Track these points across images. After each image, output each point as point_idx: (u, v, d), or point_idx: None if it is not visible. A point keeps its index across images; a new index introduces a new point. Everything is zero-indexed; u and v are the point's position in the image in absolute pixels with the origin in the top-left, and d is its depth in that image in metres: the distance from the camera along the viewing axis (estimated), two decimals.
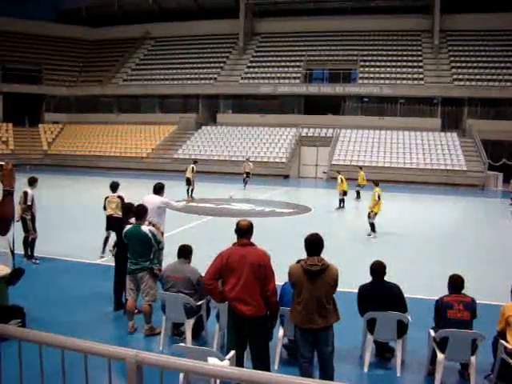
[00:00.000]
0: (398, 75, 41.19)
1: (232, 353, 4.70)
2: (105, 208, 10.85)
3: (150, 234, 6.89)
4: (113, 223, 9.79)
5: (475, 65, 40.75)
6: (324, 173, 34.93)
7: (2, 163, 3.11)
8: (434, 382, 5.60)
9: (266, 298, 5.10)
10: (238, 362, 5.00)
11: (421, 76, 41.00)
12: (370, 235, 14.80)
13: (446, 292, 6.00)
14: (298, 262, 5.19)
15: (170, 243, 8.76)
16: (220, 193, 23.65)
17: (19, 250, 10.15)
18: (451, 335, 5.53)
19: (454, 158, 34.02)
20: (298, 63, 44.77)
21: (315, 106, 41.20)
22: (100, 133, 43.09)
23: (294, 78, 43.18)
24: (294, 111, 42.66)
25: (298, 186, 32.40)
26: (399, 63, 42.56)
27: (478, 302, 5.88)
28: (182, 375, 4.39)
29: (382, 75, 41.46)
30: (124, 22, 51.91)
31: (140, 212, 7.16)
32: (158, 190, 9.31)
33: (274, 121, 40.60)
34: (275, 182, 31.83)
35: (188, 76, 45.72)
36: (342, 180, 20.82)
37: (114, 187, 10.97)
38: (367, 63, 43.18)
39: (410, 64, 42.48)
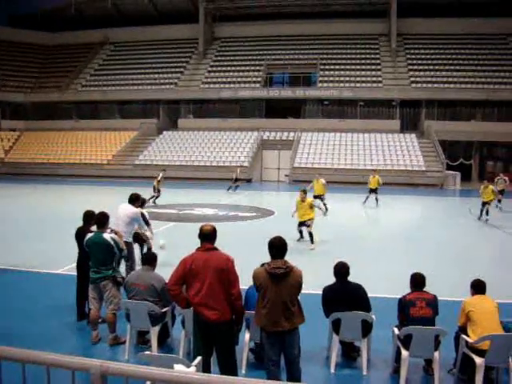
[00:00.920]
0: (358, 78, 41.90)
1: (198, 359, 4.65)
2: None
3: (112, 242, 6.77)
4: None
5: (431, 67, 41.84)
6: (286, 176, 35.15)
7: None
8: (400, 378, 5.68)
9: (230, 302, 5.07)
10: (205, 367, 4.96)
11: (379, 79, 41.78)
12: (312, 248, 13.28)
13: (408, 290, 6.11)
14: (262, 265, 5.19)
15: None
16: (182, 199, 23.49)
17: None
18: (415, 332, 5.63)
19: (413, 159, 34.79)
20: (258, 67, 45.00)
21: (276, 109, 41.50)
22: (59, 140, 42.23)
23: (255, 82, 43.37)
24: (255, 115, 42.85)
25: (261, 189, 32.51)
26: (358, 66, 43.30)
27: (439, 298, 6.00)
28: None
29: (342, 78, 42.07)
30: (82, 27, 51.14)
31: (101, 219, 7.03)
32: (133, 200, 9.24)
33: (236, 125, 40.67)
34: (238, 186, 31.78)
35: (148, 81, 45.40)
36: (320, 182, 20.31)
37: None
38: (327, 67, 43.76)
39: (368, 67, 43.26)
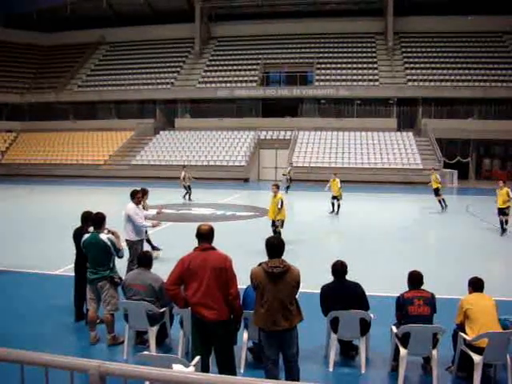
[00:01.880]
0: (354, 77, 41.90)
1: (197, 358, 4.65)
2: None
3: (108, 243, 6.76)
4: None
5: (428, 66, 41.87)
6: (283, 175, 35.13)
7: None
8: (398, 376, 5.69)
9: (228, 301, 5.08)
10: (204, 367, 4.96)
11: (376, 77, 41.80)
12: None
13: (406, 288, 6.12)
14: (260, 264, 5.19)
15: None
16: (180, 198, 23.48)
17: None
18: (413, 330, 5.64)
19: (410, 157, 34.82)
20: (254, 66, 44.97)
21: (273, 108, 41.48)
22: (55, 140, 42.11)
23: (251, 81, 43.33)
24: (252, 114, 42.83)
25: (258, 188, 32.50)
26: (355, 65, 43.30)
27: (437, 296, 6.01)
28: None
29: (338, 77, 42.09)
30: (78, 27, 50.91)
31: (98, 220, 7.02)
32: (131, 196, 9.30)
33: (232, 124, 40.63)
34: (235, 186, 31.85)
35: (144, 81, 45.32)
36: (336, 182, 19.91)
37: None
38: (323, 65, 43.76)
39: (365, 66, 43.26)
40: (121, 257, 7.26)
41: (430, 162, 34.19)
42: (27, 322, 7.60)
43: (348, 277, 6.40)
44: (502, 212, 15.65)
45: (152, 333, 6.38)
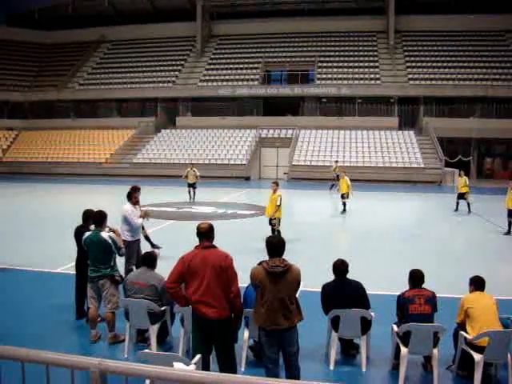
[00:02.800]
0: (355, 75, 41.85)
1: (198, 357, 4.66)
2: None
3: (109, 241, 6.76)
4: None
5: (430, 64, 41.80)
6: (285, 173, 35.15)
7: None
8: (399, 375, 5.69)
9: (229, 299, 5.09)
10: (204, 365, 4.97)
11: (377, 76, 41.75)
12: None
13: (407, 287, 6.12)
14: (260, 263, 5.19)
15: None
16: (181, 196, 23.47)
17: None
18: (413, 329, 5.64)
19: (411, 156, 34.79)
20: (256, 65, 44.94)
21: (274, 107, 41.45)
22: (57, 139, 42.12)
23: (253, 79, 43.31)
24: (254, 113, 42.83)
25: (259, 187, 32.48)
26: (356, 64, 43.25)
27: (438, 295, 6.01)
28: (147, 382, 4.33)
29: (340, 76, 42.06)
30: (79, 26, 50.90)
31: (99, 218, 7.02)
32: (127, 196, 9.27)
33: (234, 123, 40.63)
34: (236, 184, 31.85)
35: (146, 79, 45.30)
36: (345, 180, 19.80)
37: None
38: (325, 64, 43.71)
39: (366, 64, 43.22)
40: (122, 255, 7.27)
41: (431, 161, 34.20)
42: (28, 320, 7.61)
43: (349, 275, 6.40)
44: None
45: (153, 331, 6.38)
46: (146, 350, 5.48)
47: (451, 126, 36.29)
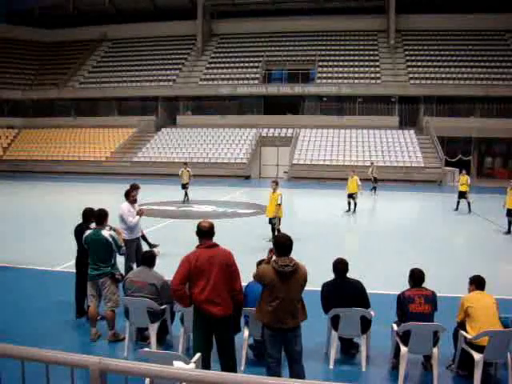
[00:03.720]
0: (356, 74, 41.84)
1: (198, 355, 4.66)
2: None
3: (110, 239, 6.77)
4: None
5: (430, 64, 41.79)
6: (285, 172, 35.16)
7: None
8: (399, 374, 5.69)
9: (233, 296, 5.11)
10: (206, 364, 4.97)
11: (378, 75, 41.74)
12: (271, 241, 13.31)
13: (407, 286, 6.12)
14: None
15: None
16: (181, 196, 23.43)
17: None
18: (413, 328, 5.63)
19: (411, 155, 34.79)
20: (256, 64, 44.93)
21: (275, 106, 41.43)
22: (57, 137, 42.16)
23: (253, 78, 43.30)
24: (254, 112, 42.81)
25: (260, 186, 32.48)
26: (357, 63, 43.24)
27: (438, 294, 6.00)
28: (147, 380, 4.33)
29: (340, 75, 42.04)
30: (80, 24, 50.94)
31: (100, 217, 7.03)
32: (125, 195, 9.25)
33: (234, 122, 40.63)
34: (236, 183, 31.86)
35: (146, 78, 45.29)
36: (354, 180, 19.60)
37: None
38: (325, 63, 43.70)
39: (367, 63, 43.21)
40: (122, 254, 7.27)
41: (431, 160, 34.20)
42: (28, 319, 7.61)
43: (349, 274, 6.40)
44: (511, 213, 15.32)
45: (153, 330, 6.38)
46: (146, 349, 5.48)
47: (451, 126, 36.29)
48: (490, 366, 5.89)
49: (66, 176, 35.49)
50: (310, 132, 38.53)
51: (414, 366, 6.10)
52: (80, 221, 7.75)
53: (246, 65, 45.21)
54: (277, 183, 13.55)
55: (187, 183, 22.54)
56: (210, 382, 2.21)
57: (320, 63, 43.69)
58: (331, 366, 6.13)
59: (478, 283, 6.00)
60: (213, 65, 46.59)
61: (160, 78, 45.10)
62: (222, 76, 44.21)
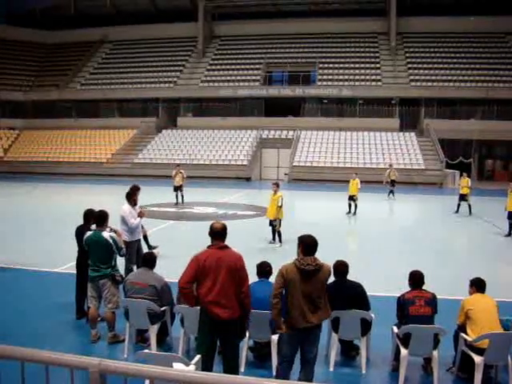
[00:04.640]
0: (357, 77, 41.84)
1: (198, 357, 4.65)
2: None
3: (110, 241, 6.77)
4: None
5: (431, 66, 41.80)
6: (285, 174, 35.15)
7: None
8: (399, 377, 5.69)
9: (240, 299, 5.08)
10: (208, 365, 4.96)
11: (379, 77, 41.75)
12: (272, 243, 13.54)
13: (407, 288, 6.11)
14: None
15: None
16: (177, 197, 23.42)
17: None
18: (414, 331, 5.63)
19: (412, 157, 34.78)
20: (257, 66, 44.95)
21: (275, 108, 41.39)
22: (58, 138, 42.15)
23: (254, 80, 43.33)
24: (255, 114, 42.78)
25: (260, 188, 32.47)
26: (357, 65, 43.25)
27: (438, 297, 6.00)
28: (147, 382, 4.33)
29: (341, 77, 42.04)
30: (81, 26, 50.92)
31: (100, 218, 7.03)
32: (126, 196, 9.25)
33: (235, 123, 40.62)
34: (237, 185, 31.86)
35: (147, 80, 45.33)
36: (355, 182, 19.55)
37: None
38: (326, 65, 43.72)
39: (367, 66, 43.22)
40: (122, 255, 7.28)
41: (432, 163, 34.18)
42: (28, 320, 7.61)
43: (349, 276, 6.40)
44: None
45: (153, 331, 6.38)
46: (146, 350, 5.48)
47: (452, 128, 36.28)
48: (490, 369, 5.88)
49: (66, 177, 35.50)
50: (311, 134, 38.51)
51: (415, 368, 6.09)
52: (81, 222, 7.76)
53: (247, 67, 45.23)
54: (277, 185, 13.60)
55: (181, 185, 21.91)
56: (210, 383, 2.21)
57: (321, 65, 43.71)
58: (331, 369, 6.13)
59: (478, 285, 6.00)
60: (214, 67, 46.62)
61: (161, 79, 45.13)
62: (223, 78, 44.25)
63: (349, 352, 6.56)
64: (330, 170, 33.83)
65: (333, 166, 34.43)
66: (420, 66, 42.25)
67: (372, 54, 44.72)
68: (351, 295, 6.18)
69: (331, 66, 43.67)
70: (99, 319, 7.00)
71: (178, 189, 21.91)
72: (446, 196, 27.43)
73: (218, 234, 5.17)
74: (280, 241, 13.33)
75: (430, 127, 37.16)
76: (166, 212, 19.72)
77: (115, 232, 7.17)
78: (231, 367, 5.17)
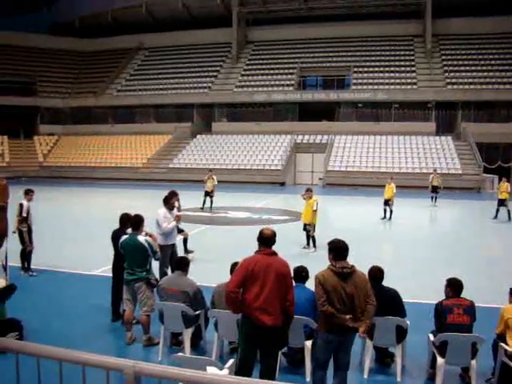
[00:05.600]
0: (392, 80, 41.39)
1: (231, 361, 4.67)
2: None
3: (146, 244, 6.85)
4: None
5: (468, 68, 41.02)
6: (320, 179, 34.98)
7: None
8: None
9: (285, 307, 5.03)
10: (247, 371, 4.97)
11: (414, 80, 41.20)
12: (306, 248, 13.47)
13: (443, 296, 5.99)
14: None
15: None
16: (217, 201, 23.53)
17: (16, 262, 10.12)
18: (451, 339, 5.51)
19: (449, 162, 34.13)
20: (291, 70, 44.93)
21: (309, 112, 41.31)
22: (95, 144, 43.09)
23: (288, 85, 43.32)
24: (289, 118, 42.74)
25: (294, 192, 32.37)
26: (392, 68, 42.79)
27: (476, 305, 5.86)
28: None
29: (376, 80, 41.67)
30: (117, 33, 52.04)
31: (136, 222, 7.12)
32: (163, 200, 9.35)
33: (269, 128, 40.67)
34: (271, 190, 31.86)
35: (182, 85, 45.84)
36: (391, 186, 19.47)
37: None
38: (360, 69, 43.38)
39: (403, 69, 42.70)
40: (157, 259, 7.35)
41: (469, 167, 33.50)
42: (67, 321, 7.76)
43: (385, 283, 6.31)
44: None
45: (187, 335, 6.42)
46: (180, 354, 5.50)
47: (490, 131, 35.48)
48: None
49: (103, 182, 36.14)
50: (345, 138, 38.25)
51: (451, 377, 5.94)
52: (117, 226, 7.87)
53: (281, 71, 45.27)
54: (310, 190, 13.53)
55: (212, 191, 21.79)
56: None
57: (355, 69, 43.41)
58: (366, 376, 6.05)
59: None
60: (248, 72, 46.83)
61: (196, 85, 45.58)
62: (257, 83, 44.40)
63: (383, 359, 6.46)
64: (364, 175, 33.49)
65: (368, 170, 34.08)
66: (456, 68, 41.51)
67: (407, 57, 44.17)
68: (386, 301, 6.08)
69: (366, 69, 43.32)
70: (134, 322, 7.09)
71: (208, 194, 21.87)
72: (485, 201, 26.81)
73: (268, 240, 5.17)
74: (314, 246, 13.27)
75: (467, 131, 36.41)
76: (200, 216, 19.85)
77: (150, 236, 7.25)
78: (268, 373, 5.14)
